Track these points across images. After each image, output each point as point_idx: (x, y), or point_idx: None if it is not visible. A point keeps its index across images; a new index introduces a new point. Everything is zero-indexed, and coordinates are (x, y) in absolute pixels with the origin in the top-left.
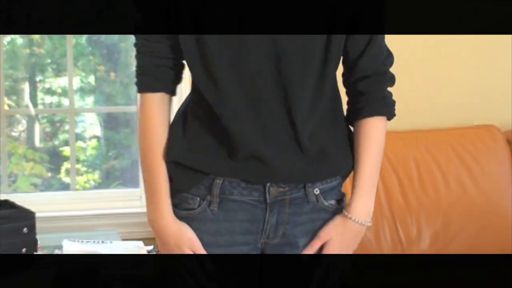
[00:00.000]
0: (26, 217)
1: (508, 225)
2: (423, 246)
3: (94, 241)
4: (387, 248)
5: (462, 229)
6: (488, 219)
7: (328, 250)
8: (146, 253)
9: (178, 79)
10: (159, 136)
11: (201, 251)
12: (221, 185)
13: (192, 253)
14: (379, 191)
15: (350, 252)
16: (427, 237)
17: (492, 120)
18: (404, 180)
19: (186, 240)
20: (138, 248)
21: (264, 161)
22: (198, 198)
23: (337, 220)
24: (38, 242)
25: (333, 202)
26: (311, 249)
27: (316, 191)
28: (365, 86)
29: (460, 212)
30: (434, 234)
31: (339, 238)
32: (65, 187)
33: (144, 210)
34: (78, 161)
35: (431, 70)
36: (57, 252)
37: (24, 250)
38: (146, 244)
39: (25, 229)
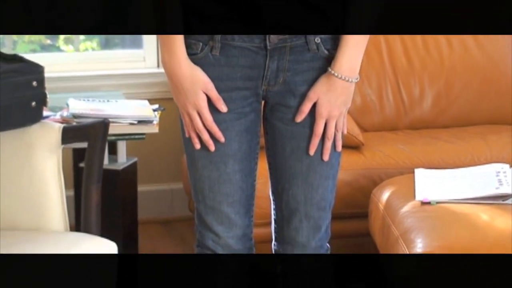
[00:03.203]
0: (35, 70)
1: (509, 88)
2: (426, 107)
3: (99, 100)
4: (389, 108)
5: (464, 90)
6: (491, 81)
7: (319, 110)
8: (151, 111)
9: None
10: None
11: (215, 93)
12: None
13: (206, 95)
14: (382, 52)
15: (343, 110)
16: (429, 98)
17: None
18: (408, 41)
19: (201, 83)
20: (143, 106)
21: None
22: (201, 43)
23: (323, 78)
24: (48, 96)
25: (334, 51)
26: (303, 111)
27: (317, 39)
28: None
29: (462, 73)
30: (437, 95)
31: (326, 96)
32: None
33: (148, 71)
34: None
35: None
36: (63, 111)
37: (33, 103)
38: (151, 103)
39: (34, 83)
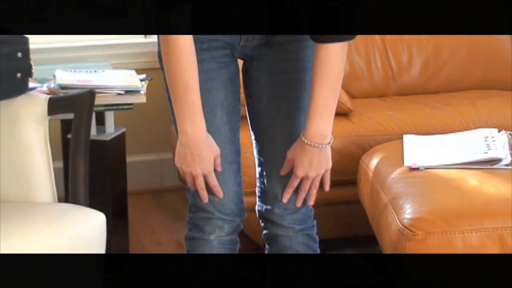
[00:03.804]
0: (20, 41)
1: (497, 54)
2: (414, 73)
3: (86, 71)
4: (378, 75)
5: (452, 56)
6: (479, 46)
7: (296, 171)
8: (139, 81)
9: None
10: (189, 54)
11: (219, 158)
12: None
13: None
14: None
15: (320, 171)
16: (417, 64)
17: None
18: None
19: (215, 151)
20: (130, 76)
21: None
22: None
23: (297, 142)
24: (33, 68)
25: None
26: (285, 168)
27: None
28: None
29: (450, 39)
30: (425, 61)
31: (300, 159)
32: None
33: (135, 41)
34: None
35: None
36: (50, 82)
37: (19, 75)
38: (138, 73)
39: (19, 54)
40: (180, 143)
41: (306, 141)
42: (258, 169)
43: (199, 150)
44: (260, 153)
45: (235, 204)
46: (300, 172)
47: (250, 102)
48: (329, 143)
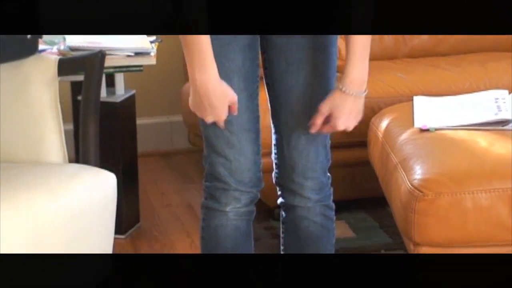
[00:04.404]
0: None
1: None
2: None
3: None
4: (388, 37)
5: None
6: None
7: (337, 123)
8: (149, 43)
9: None
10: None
11: (236, 105)
12: None
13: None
14: None
15: (355, 123)
16: None
17: None
18: None
19: (230, 98)
20: (140, 38)
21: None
22: None
23: (333, 94)
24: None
25: None
26: (316, 124)
27: None
28: None
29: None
30: None
31: (342, 110)
32: None
33: None
34: None
35: None
36: (60, 44)
37: (29, 36)
38: (148, 35)
39: None
40: (191, 90)
41: (346, 89)
42: (274, 136)
43: (210, 99)
44: (277, 120)
45: (253, 173)
46: (341, 125)
47: (268, 67)
48: (365, 91)
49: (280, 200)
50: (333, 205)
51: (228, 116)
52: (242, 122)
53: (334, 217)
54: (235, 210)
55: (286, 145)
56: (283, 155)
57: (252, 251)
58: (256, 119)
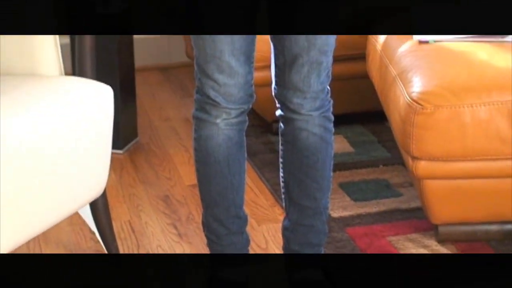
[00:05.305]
0: None
1: None
2: None
3: None
4: None
5: None
6: None
7: None
8: None
9: None
10: None
11: None
12: None
13: None
14: None
15: None
16: None
17: None
18: None
19: None
20: None
21: None
22: None
23: None
24: None
25: None
26: None
27: None
28: None
29: None
30: None
31: None
32: None
33: None
34: None
35: None
36: None
37: None
38: None
39: None
40: None
41: None
42: (275, 56)
43: None
44: (280, 45)
45: (244, 92)
46: None
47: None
48: None
49: (278, 112)
50: (332, 117)
51: (219, 43)
52: (234, 49)
53: (333, 130)
54: (225, 121)
55: (288, 69)
56: (283, 77)
57: (244, 160)
58: (251, 42)
